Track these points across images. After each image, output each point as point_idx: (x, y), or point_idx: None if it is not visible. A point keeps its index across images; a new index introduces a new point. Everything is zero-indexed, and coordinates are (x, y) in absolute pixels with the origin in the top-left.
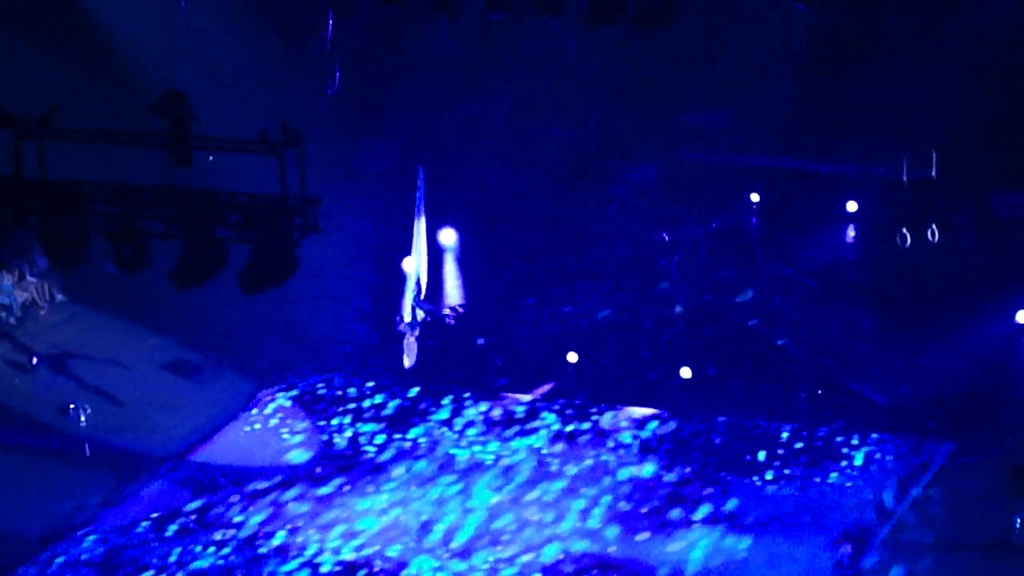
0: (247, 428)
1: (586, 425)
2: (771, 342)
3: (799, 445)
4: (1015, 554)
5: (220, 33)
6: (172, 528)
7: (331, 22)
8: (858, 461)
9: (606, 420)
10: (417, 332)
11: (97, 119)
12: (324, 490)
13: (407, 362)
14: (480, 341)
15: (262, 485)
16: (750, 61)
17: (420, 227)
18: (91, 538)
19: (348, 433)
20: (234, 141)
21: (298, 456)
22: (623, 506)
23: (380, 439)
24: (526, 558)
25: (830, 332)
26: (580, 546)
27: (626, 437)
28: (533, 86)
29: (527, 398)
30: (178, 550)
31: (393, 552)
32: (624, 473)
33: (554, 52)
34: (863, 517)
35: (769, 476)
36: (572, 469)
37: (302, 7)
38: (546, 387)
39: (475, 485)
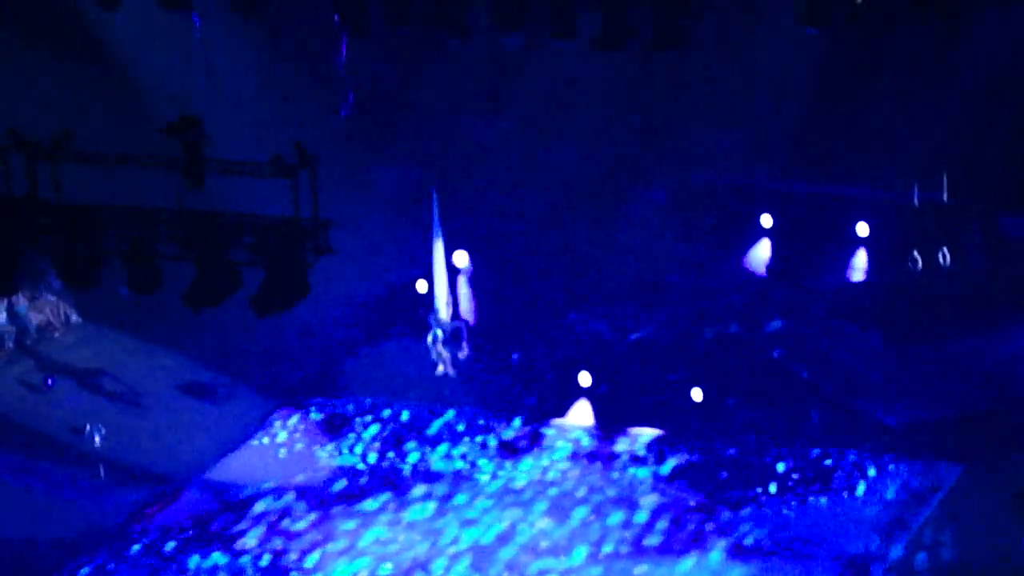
0: (261, 449)
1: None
2: (780, 363)
3: (807, 468)
4: None
5: (234, 56)
6: (185, 549)
7: (344, 45)
8: (861, 489)
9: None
10: (448, 346)
11: (111, 142)
12: (339, 511)
13: (441, 369)
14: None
15: (276, 505)
16: (762, 84)
17: (438, 249)
18: (105, 558)
19: (363, 453)
20: (248, 164)
21: (313, 477)
22: (629, 533)
23: (408, 459)
24: None
25: (840, 354)
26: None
27: (638, 460)
28: (545, 108)
29: (559, 422)
30: (191, 569)
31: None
32: (631, 498)
33: (566, 75)
34: (868, 542)
35: (775, 500)
36: (581, 493)
37: (316, 30)
38: (581, 409)
39: (487, 507)
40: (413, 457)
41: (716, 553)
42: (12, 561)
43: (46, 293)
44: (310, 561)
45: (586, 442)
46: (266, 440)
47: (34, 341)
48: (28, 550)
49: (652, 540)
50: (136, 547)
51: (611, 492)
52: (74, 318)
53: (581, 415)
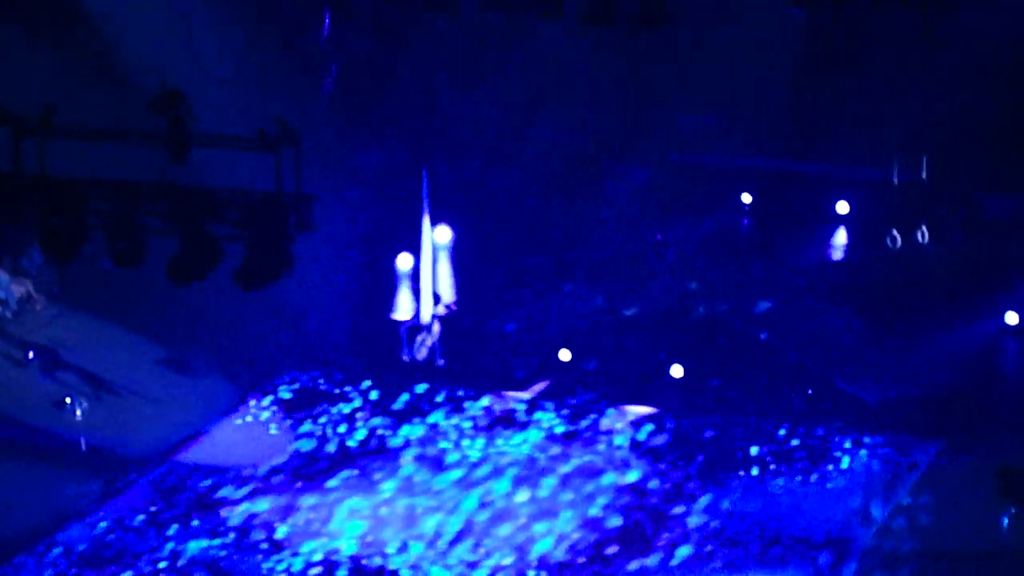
0: (240, 425)
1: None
2: (760, 341)
3: (786, 446)
4: (1000, 555)
5: (218, 31)
6: (163, 523)
7: (328, 21)
8: (845, 463)
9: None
10: (433, 328)
11: (95, 116)
12: (314, 486)
13: (419, 355)
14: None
15: (254, 482)
16: (743, 63)
17: (425, 226)
18: (83, 531)
19: (342, 430)
20: (231, 138)
21: (291, 453)
22: (600, 513)
23: (378, 436)
24: (506, 561)
25: (819, 332)
26: (559, 554)
27: (619, 440)
28: (529, 86)
29: (525, 396)
30: (170, 545)
31: (378, 552)
32: (607, 479)
33: (550, 53)
34: (846, 524)
35: (753, 479)
36: (562, 470)
37: (299, 5)
38: (540, 385)
39: (468, 485)
40: (389, 432)
41: (694, 527)
42: None
43: (28, 266)
44: (280, 533)
45: (561, 419)
46: (249, 418)
47: (15, 314)
48: (7, 523)
49: (626, 519)
50: (103, 524)
51: (585, 463)
52: (55, 292)
53: (545, 391)
